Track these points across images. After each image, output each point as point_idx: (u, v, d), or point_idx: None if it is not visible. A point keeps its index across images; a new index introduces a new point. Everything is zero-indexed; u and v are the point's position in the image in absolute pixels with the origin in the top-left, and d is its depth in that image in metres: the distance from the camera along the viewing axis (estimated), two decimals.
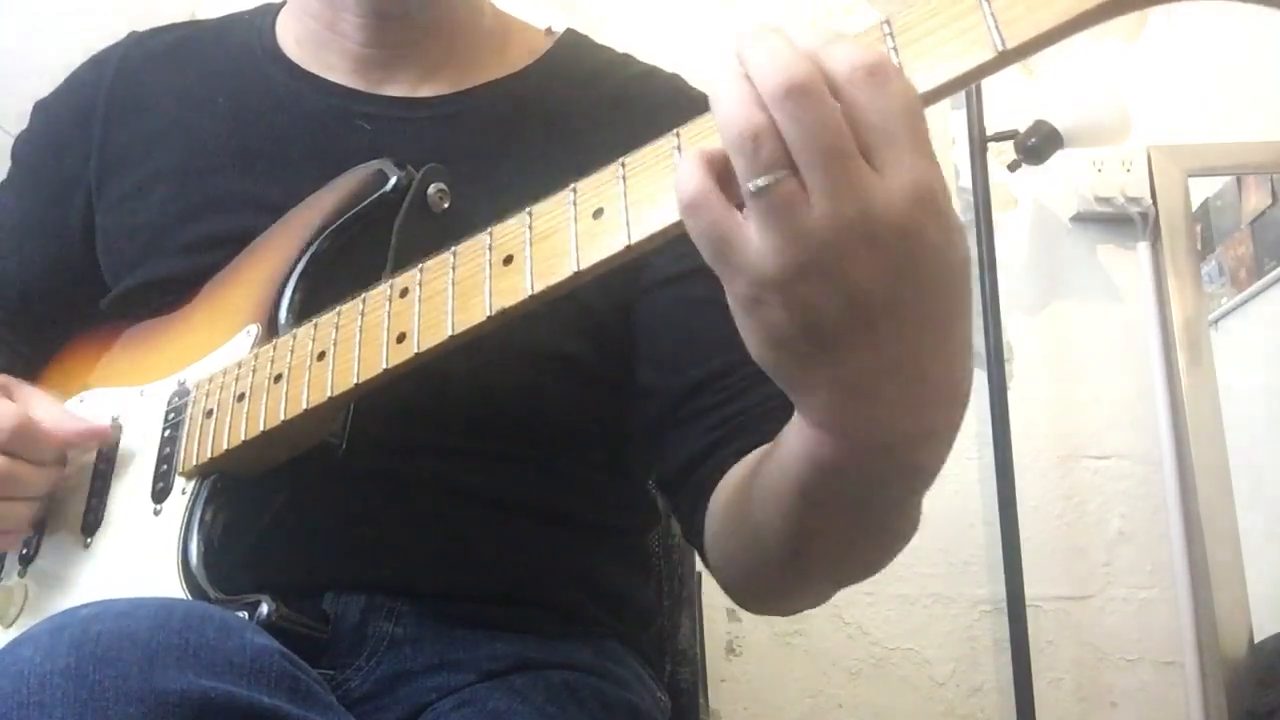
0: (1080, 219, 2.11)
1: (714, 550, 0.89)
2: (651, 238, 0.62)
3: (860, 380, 0.59)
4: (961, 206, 2.10)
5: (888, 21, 0.57)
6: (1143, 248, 2.08)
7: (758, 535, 0.78)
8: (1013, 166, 2.04)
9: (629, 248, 0.63)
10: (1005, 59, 0.54)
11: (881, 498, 0.69)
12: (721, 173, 0.57)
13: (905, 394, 0.60)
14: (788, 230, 0.54)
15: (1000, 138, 2.02)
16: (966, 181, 2.06)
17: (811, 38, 0.56)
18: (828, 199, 0.54)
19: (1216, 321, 2.04)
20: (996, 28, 0.54)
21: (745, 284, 0.57)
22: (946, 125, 2.13)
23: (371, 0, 1.01)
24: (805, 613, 1.90)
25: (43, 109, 1.15)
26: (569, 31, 1.13)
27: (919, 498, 0.72)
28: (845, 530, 0.73)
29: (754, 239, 0.56)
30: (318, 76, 1.06)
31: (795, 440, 0.67)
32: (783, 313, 0.57)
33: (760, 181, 0.54)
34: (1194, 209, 2.09)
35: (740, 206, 0.57)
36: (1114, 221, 2.10)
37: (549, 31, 1.13)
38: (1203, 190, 2.10)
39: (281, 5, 1.13)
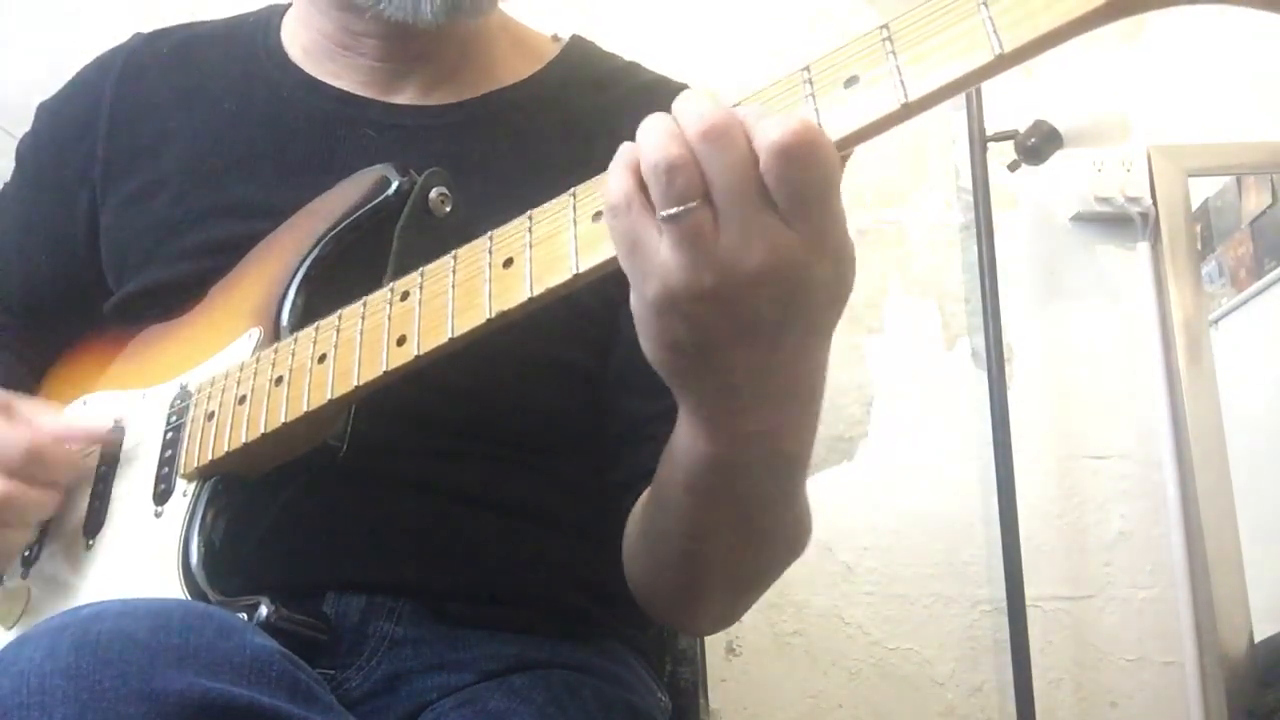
0: (1080, 219, 2.11)
1: (627, 562, 0.93)
2: None
3: (738, 381, 0.66)
4: (961, 206, 2.11)
5: (886, 26, 0.58)
6: (1143, 248, 2.08)
7: (657, 539, 0.85)
8: (1013, 166, 2.04)
9: None
10: (1003, 62, 0.55)
11: (757, 487, 0.75)
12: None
13: (775, 392, 0.67)
14: (695, 256, 0.60)
15: (1000, 138, 2.02)
16: (966, 181, 2.07)
17: (757, 107, 0.61)
18: (737, 236, 0.59)
19: (1216, 321, 2.04)
20: (995, 31, 0.54)
21: (651, 291, 0.62)
22: (946, 125, 2.13)
23: (445, 23, 0.98)
24: (805, 613, 1.93)
25: (47, 111, 1.15)
26: (575, 38, 1.13)
27: (797, 495, 0.79)
28: (731, 527, 0.79)
29: (664, 253, 0.61)
30: (324, 83, 1.05)
31: (680, 435, 0.74)
32: (681, 324, 0.63)
33: (671, 210, 0.59)
34: (1194, 209, 2.09)
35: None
36: (1114, 221, 2.10)
37: (555, 38, 1.13)
38: (1203, 190, 2.09)
39: (286, 6, 1.12)
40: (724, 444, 0.71)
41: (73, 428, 0.97)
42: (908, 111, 0.57)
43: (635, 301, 0.64)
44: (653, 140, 0.60)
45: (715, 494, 0.75)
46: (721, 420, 0.69)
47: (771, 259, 0.59)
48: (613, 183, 0.62)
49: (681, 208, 0.59)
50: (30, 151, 1.15)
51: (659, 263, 0.61)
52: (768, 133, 0.58)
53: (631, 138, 0.63)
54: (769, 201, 0.59)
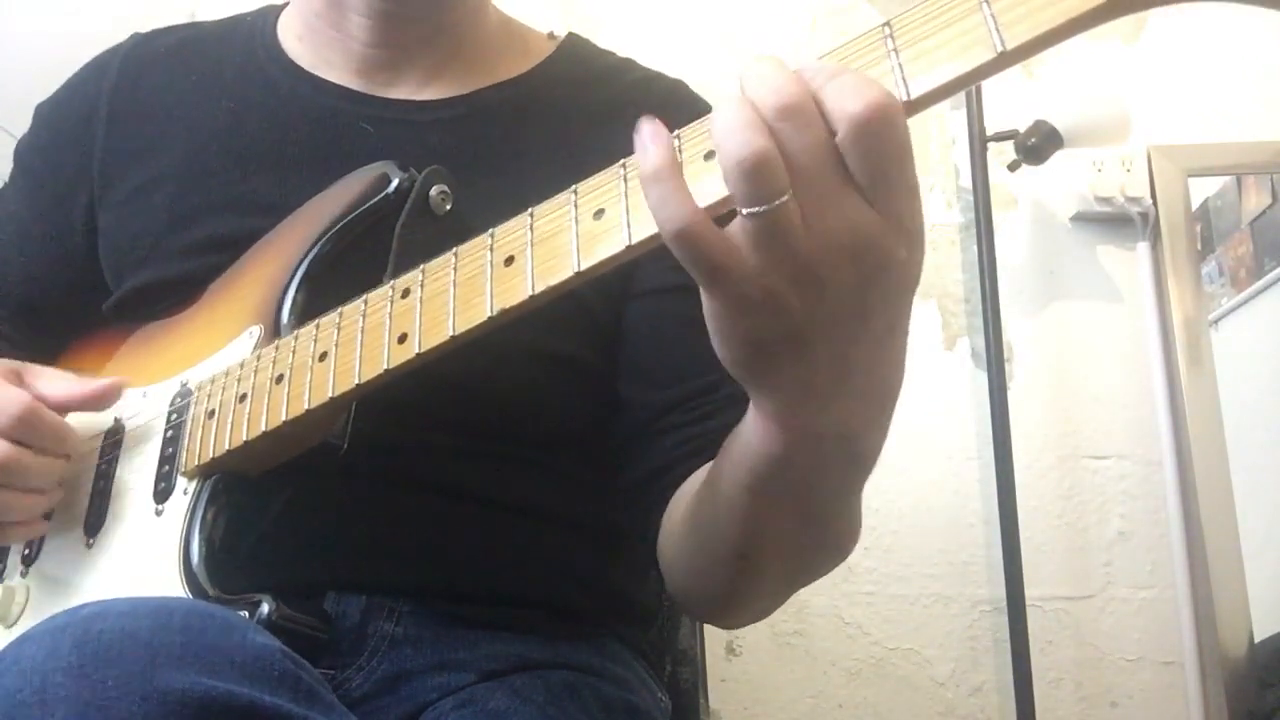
0: (1080, 219, 2.11)
1: (666, 557, 0.91)
2: (652, 238, 0.62)
3: (818, 377, 0.63)
4: (961, 206, 2.11)
5: (888, 24, 0.58)
6: (1143, 248, 2.08)
7: (707, 539, 0.81)
8: (1013, 166, 2.03)
9: (629, 248, 0.63)
10: (1005, 60, 0.55)
11: (825, 489, 0.72)
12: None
13: (855, 389, 0.64)
14: (783, 248, 0.57)
15: (1000, 138, 2.02)
16: (966, 181, 2.07)
17: (815, 69, 0.57)
18: (822, 220, 0.57)
19: (1216, 321, 2.04)
20: (997, 29, 0.54)
21: (734, 297, 0.59)
22: (946, 125, 2.13)
23: (379, 1, 1.01)
24: (805, 613, 1.93)
25: (45, 112, 1.15)
26: (571, 35, 1.13)
27: (858, 494, 0.76)
28: (791, 527, 0.75)
29: (747, 256, 0.58)
30: (321, 79, 1.06)
31: (749, 435, 0.70)
32: (767, 320, 0.60)
33: (758, 209, 0.56)
34: (1194, 209, 2.09)
35: (721, 218, 0.58)
36: (1114, 221, 2.10)
37: (551, 35, 1.13)
38: (1203, 190, 2.09)
39: (283, 6, 1.13)
40: (799, 446, 0.67)
41: (82, 382, 0.95)
42: (910, 109, 0.57)
43: (715, 310, 0.61)
44: (735, 133, 0.56)
45: (782, 496, 0.72)
46: (798, 420, 0.66)
47: (853, 239, 0.57)
48: (672, 210, 0.58)
49: (773, 204, 0.56)
50: (29, 152, 1.15)
51: (744, 270, 0.58)
52: (844, 104, 0.55)
53: (628, 134, 0.62)
54: (848, 178, 0.56)
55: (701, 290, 0.61)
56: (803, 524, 0.76)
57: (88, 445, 0.98)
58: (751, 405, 0.68)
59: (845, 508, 0.77)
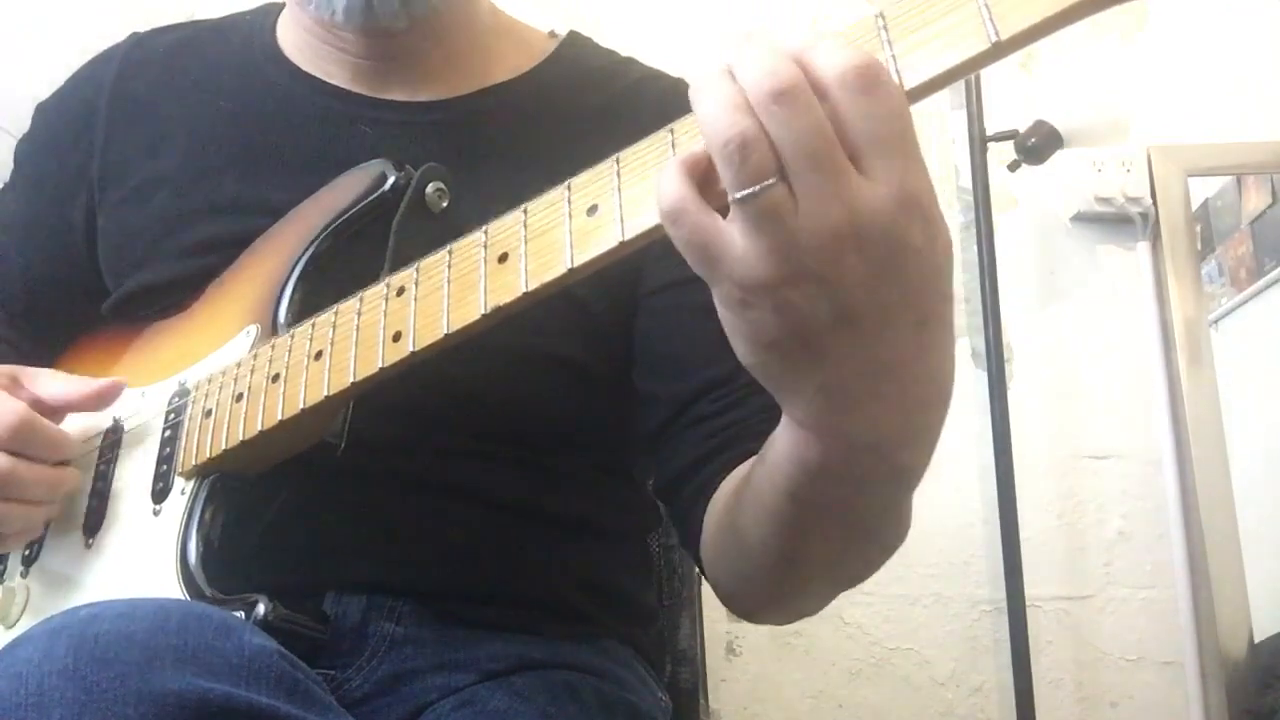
0: (1080, 219, 2.11)
1: (709, 559, 0.89)
2: (645, 234, 0.62)
3: (845, 381, 0.60)
4: (961, 206, 2.10)
5: (881, 14, 0.57)
6: (1143, 248, 2.08)
7: (750, 543, 0.78)
8: (1013, 166, 2.03)
9: (622, 244, 0.63)
10: (999, 50, 0.54)
11: (869, 500, 0.69)
12: (705, 175, 0.57)
13: (889, 395, 0.60)
14: (775, 236, 0.55)
15: (1000, 138, 2.02)
16: (966, 181, 2.06)
17: (799, 37, 0.56)
18: (816, 205, 0.54)
19: (1216, 321, 2.04)
20: (990, 19, 0.54)
21: (732, 288, 0.57)
22: (946, 125, 2.13)
23: (363, 25, 1.00)
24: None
25: (44, 111, 1.15)
26: (571, 34, 1.13)
27: (907, 501, 0.72)
28: (835, 535, 0.73)
29: (739, 244, 0.56)
30: (319, 80, 1.05)
31: (783, 443, 0.67)
32: (770, 316, 0.57)
33: (748, 190, 0.54)
34: (1194, 209, 2.09)
35: (722, 210, 0.57)
36: (1114, 221, 2.10)
37: (552, 34, 1.13)
38: (1203, 190, 2.09)
39: (282, 6, 1.13)
40: (834, 455, 0.64)
41: (81, 382, 0.94)
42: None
43: (720, 305, 0.59)
44: (718, 114, 0.54)
45: (822, 506, 0.69)
46: (830, 427, 0.63)
47: (854, 220, 0.54)
48: (664, 189, 0.57)
49: (758, 187, 0.54)
50: (28, 152, 1.15)
51: (736, 257, 0.56)
52: (835, 66, 0.53)
53: (629, 132, 0.62)
54: (843, 157, 0.54)
55: (710, 288, 0.59)
56: (846, 534, 0.73)
57: (86, 446, 0.98)
58: (785, 412, 0.66)
59: (892, 516, 0.73)
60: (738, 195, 0.54)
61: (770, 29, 2.15)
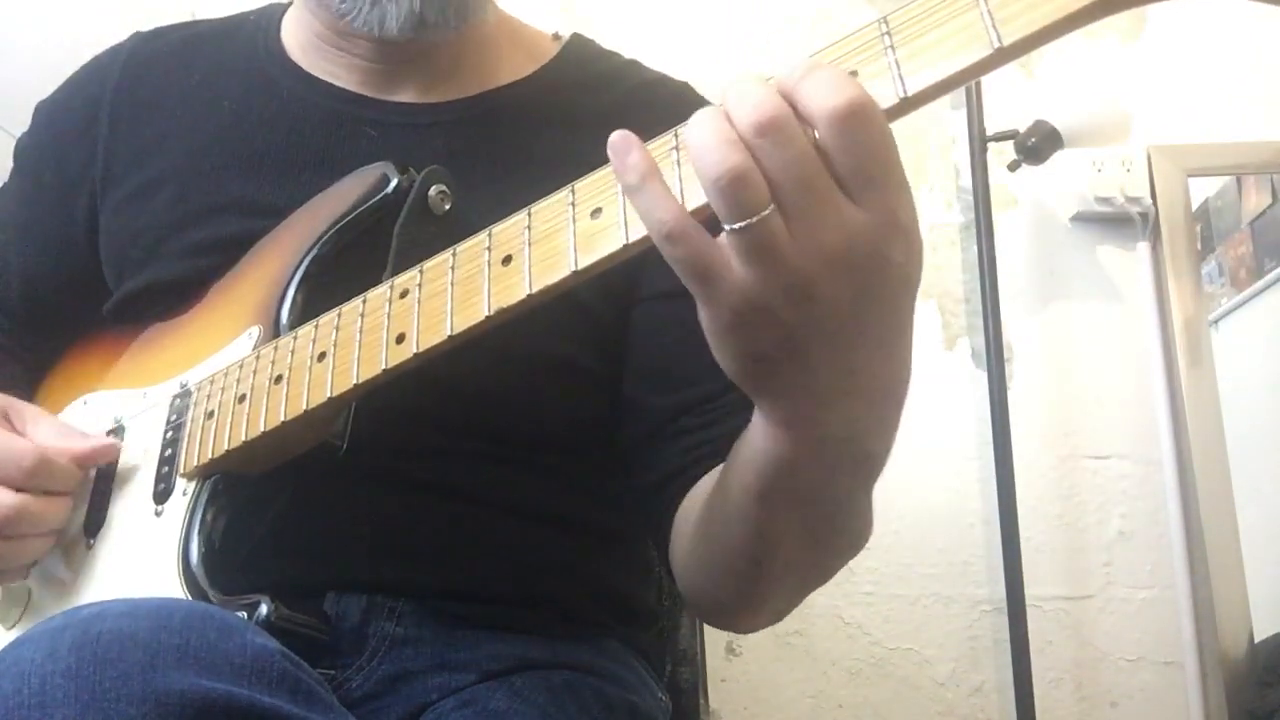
0: (1080, 219, 2.11)
1: (678, 562, 0.90)
2: (649, 237, 0.62)
3: (823, 382, 0.63)
4: (961, 206, 2.10)
5: (885, 19, 0.57)
6: (1143, 248, 2.08)
7: (720, 544, 0.80)
8: (1013, 166, 2.03)
9: (626, 247, 0.63)
10: (1003, 56, 0.54)
11: (835, 490, 0.72)
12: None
13: (858, 390, 0.64)
14: (771, 262, 0.57)
15: (1000, 138, 2.02)
16: (966, 181, 2.06)
17: (790, 69, 0.57)
18: (808, 230, 0.57)
19: (1216, 321, 2.04)
20: (994, 25, 0.54)
21: (725, 308, 0.59)
22: (946, 125, 2.13)
23: (414, 37, 0.98)
24: (805, 613, 1.92)
25: (45, 111, 1.15)
26: (575, 36, 1.13)
27: (868, 495, 0.75)
28: (802, 530, 0.75)
29: (736, 268, 0.58)
30: (324, 82, 1.05)
31: (756, 440, 0.69)
32: (765, 333, 0.60)
33: (741, 224, 0.56)
34: (1194, 209, 2.09)
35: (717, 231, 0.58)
36: (1114, 221, 2.10)
37: (555, 36, 1.13)
38: (1203, 190, 2.09)
39: (286, 6, 1.12)
40: (805, 449, 0.67)
41: (79, 438, 0.95)
42: (906, 106, 0.57)
43: (709, 321, 0.61)
44: (710, 150, 0.56)
45: (791, 502, 0.72)
46: (804, 424, 0.66)
47: (846, 243, 0.57)
48: (661, 211, 0.58)
49: (754, 219, 0.56)
50: (29, 151, 1.15)
51: (734, 281, 0.58)
52: (822, 100, 0.55)
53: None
54: (833, 184, 0.56)
55: (697, 302, 0.61)
56: (813, 528, 0.75)
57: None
58: (756, 411, 0.68)
59: (855, 509, 0.76)
60: (734, 227, 0.57)
61: (770, 28, 2.14)
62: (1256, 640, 1.87)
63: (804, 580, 0.83)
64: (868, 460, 0.70)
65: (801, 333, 0.60)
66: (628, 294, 0.98)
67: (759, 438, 0.69)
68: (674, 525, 0.90)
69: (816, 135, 0.56)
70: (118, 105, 1.09)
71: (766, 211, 0.56)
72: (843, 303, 0.59)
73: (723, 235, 0.58)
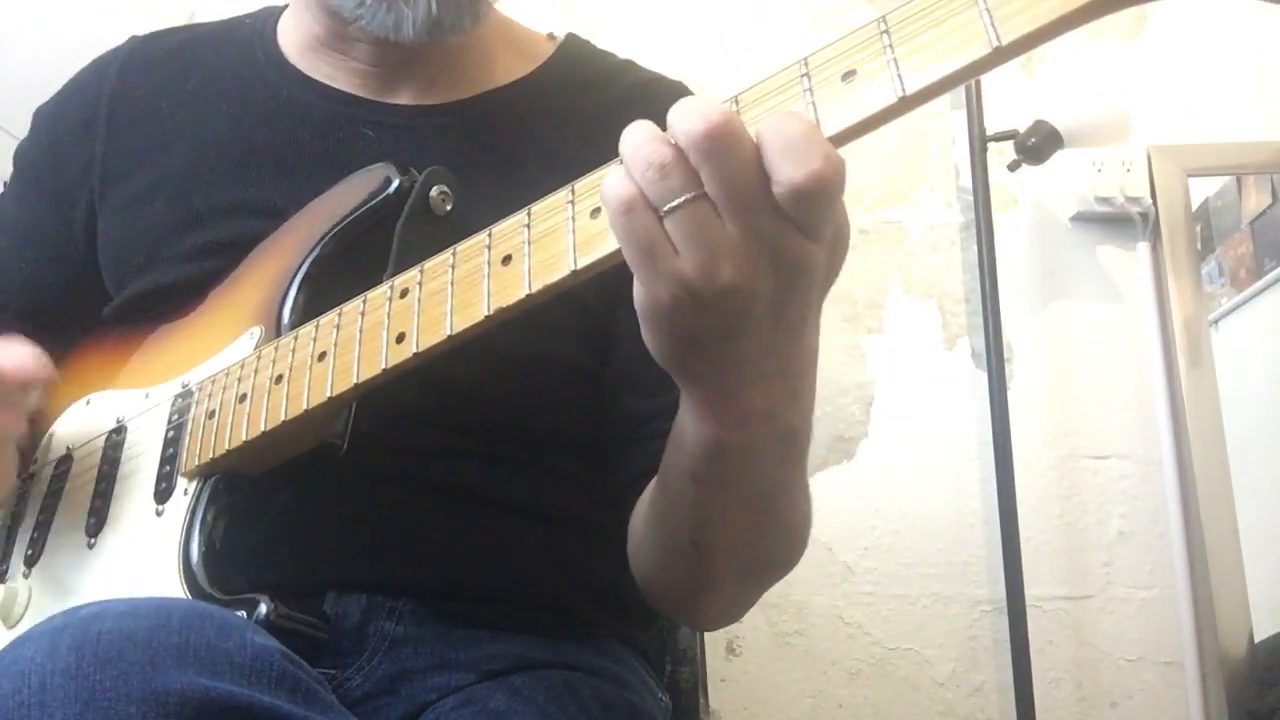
0: (1080, 219, 2.11)
1: (631, 551, 0.93)
2: None
3: (744, 362, 0.67)
4: (961, 206, 2.11)
5: (884, 19, 0.58)
6: (1143, 248, 2.08)
7: (664, 529, 0.84)
8: (1013, 166, 2.03)
9: None
10: (1001, 55, 0.55)
11: (763, 465, 0.75)
12: None
13: (780, 368, 0.69)
14: (708, 247, 0.61)
15: (1000, 138, 2.02)
16: (966, 181, 2.06)
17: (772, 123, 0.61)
18: (739, 230, 0.61)
19: (1216, 321, 2.04)
20: (992, 24, 0.54)
21: (669, 290, 0.63)
22: (946, 125, 2.13)
23: (430, 40, 0.98)
24: (805, 613, 1.92)
25: (44, 115, 1.15)
26: (571, 36, 1.13)
27: (801, 476, 0.81)
28: (739, 514, 0.78)
29: (679, 251, 0.62)
30: (322, 84, 1.05)
31: (686, 424, 0.74)
32: (698, 318, 0.64)
33: (671, 204, 0.61)
34: (1194, 209, 2.09)
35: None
36: (1114, 221, 2.10)
37: (550, 37, 1.13)
38: (1203, 190, 2.09)
39: (283, 8, 1.12)
40: (729, 426, 0.71)
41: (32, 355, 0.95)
42: (905, 105, 0.57)
43: (646, 301, 0.65)
44: (634, 141, 0.62)
45: (723, 480, 0.75)
46: (726, 402, 0.70)
47: (779, 254, 0.62)
48: (613, 186, 0.62)
49: (681, 199, 0.61)
50: (28, 155, 1.15)
51: (675, 264, 0.62)
52: (787, 172, 0.59)
53: None
54: (780, 213, 0.61)
55: (635, 283, 0.64)
56: (750, 506, 0.78)
57: (89, 446, 0.98)
58: (683, 395, 0.72)
59: (790, 496, 0.80)
60: (663, 210, 0.61)
61: (769, 28, 2.14)
62: (1256, 640, 1.87)
63: (747, 571, 0.86)
64: (791, 435, 0.73)
65: (730, 318, 0.64)
66: (619, 290, 0.98)
67: (687, 422, 0.73)
68: (630, 520, 0.93)
69: (777, 197, 0.60)
70: (115, 109, 1.09)
71: (692, 194, 0.61)
72: (771, 290, 0.63)
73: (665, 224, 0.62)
